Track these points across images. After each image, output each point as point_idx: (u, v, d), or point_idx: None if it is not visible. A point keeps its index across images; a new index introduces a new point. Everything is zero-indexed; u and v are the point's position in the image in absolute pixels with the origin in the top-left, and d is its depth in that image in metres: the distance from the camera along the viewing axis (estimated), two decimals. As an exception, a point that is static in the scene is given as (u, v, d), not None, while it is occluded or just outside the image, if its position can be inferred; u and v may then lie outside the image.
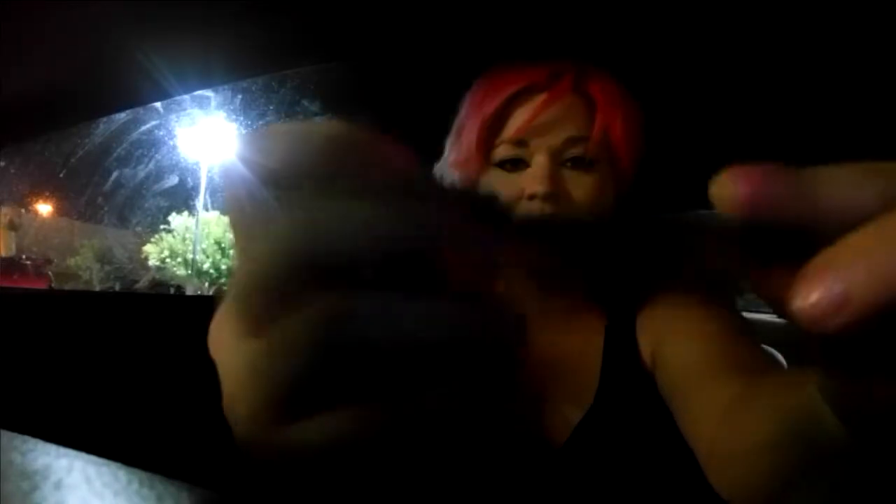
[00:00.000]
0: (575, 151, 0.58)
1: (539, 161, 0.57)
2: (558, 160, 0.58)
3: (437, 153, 0.67)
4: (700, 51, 0.87)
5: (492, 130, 0.59)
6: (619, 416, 0.59)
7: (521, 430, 0.61)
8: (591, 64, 0.61)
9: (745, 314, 2.16)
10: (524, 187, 0.57)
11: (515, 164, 0.59)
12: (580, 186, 0.58)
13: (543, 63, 0.60)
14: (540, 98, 0.58)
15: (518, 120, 0.58)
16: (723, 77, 0.96)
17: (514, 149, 0.59)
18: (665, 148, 1.16)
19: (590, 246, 0.62)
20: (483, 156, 0.60)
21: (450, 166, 0.65)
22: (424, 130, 0.66)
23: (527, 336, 0.19)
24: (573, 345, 0.64)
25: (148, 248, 10.52)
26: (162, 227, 10.56)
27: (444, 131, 0.67)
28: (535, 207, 0.56)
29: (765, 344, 1.09)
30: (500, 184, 0.59)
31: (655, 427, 0.59)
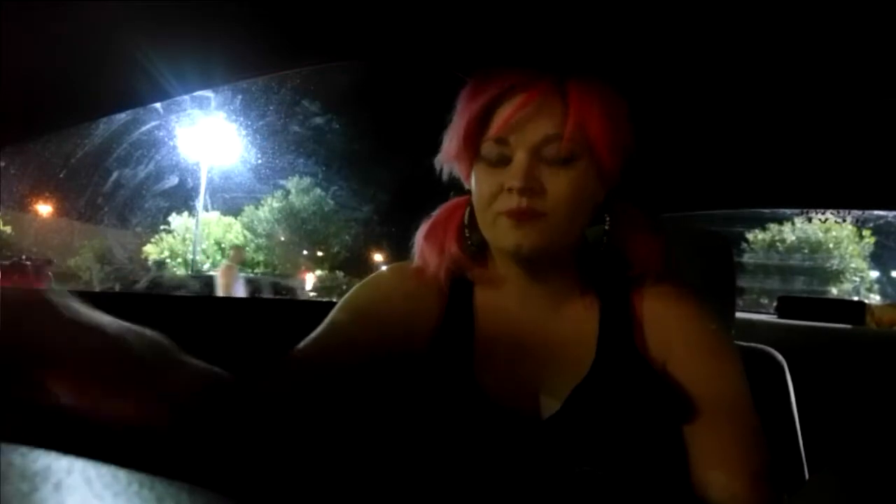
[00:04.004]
0: (552, 148, 0.62)
1: (518, 158, 0.62)
2: (537, 156, 0.62)
3: (434, 145, 0.70)
4: (694, 52, 0.87)
5: (478, 128, 0.64)
6: (611, 387, 0.64)
7: (510, 403, 0.64)
8: (581, 67, 0.64)
9: (745, 315, 2.13)
10: (504, 181, 0.62)
11: (500, 160, 0.64)
12: (557, 181, 0.62)
13: (531, 67, 0.64)
14: (519, 98, 0.62)
15: (500, 119, 0.63)
16: (718, 78, 0.96)
17: (497, 146, 0.63)
18: (659, 147, 1.16)
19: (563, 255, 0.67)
20: (471, 151, 0.66)
21: (444, 159, 0.70)
22: (424, 126, 0.66)
23: None
24: (569, 324, 0.69)
25: (148, 248, 10.53)
26: (162, 227, 10.58)
27: (441, 125, 0.69)
28: (514, 201, 0.61)
29: (764, 344, 1.09)
30: (484, 176, 0.65)
31: (644, 398, 0.64)
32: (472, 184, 0.67)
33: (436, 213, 0.74)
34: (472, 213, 0.69)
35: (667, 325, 0.68)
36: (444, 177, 0.71)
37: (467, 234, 0.70)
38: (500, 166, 0.63)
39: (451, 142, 0.67)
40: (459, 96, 0.67)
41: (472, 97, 0.65)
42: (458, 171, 0.70)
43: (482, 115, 0.63)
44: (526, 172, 0.60)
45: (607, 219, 0.68)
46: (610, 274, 0.70)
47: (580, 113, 0.62)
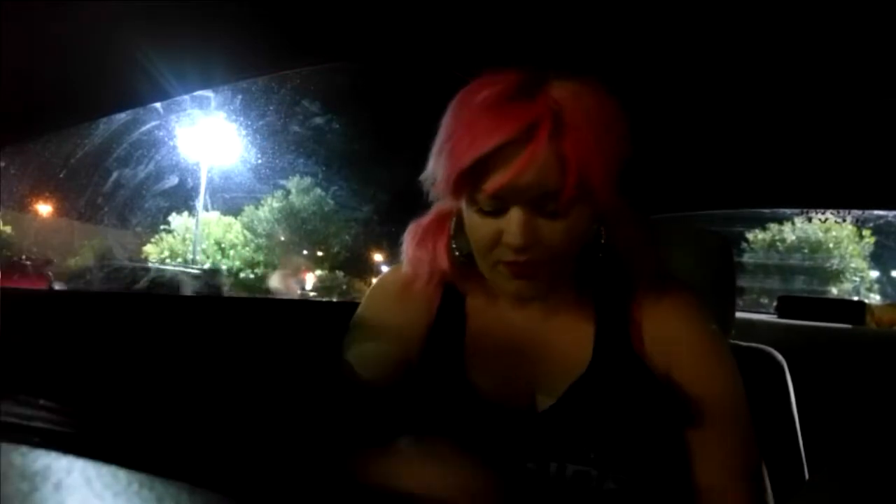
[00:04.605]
0: (550, 204, 0.60)
1: (515, 213, 0.60)
2: (534, 210, 0.60)
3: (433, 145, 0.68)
4: (697, 56, 0.87)
5: (468, 179, 0.61)
6: (608, 385, 0.65)
7: (504, 401, 0.65)
8: (580, 66, 0.62)
9: (745, 315, 2.14)
10: (501, 231, 0.61)
11: (494, 210, 0.61)
12: (554, 231, 0.61)
13: (521, 101, 0.59)
14: (517, 157, 0.58)
15: (494, 178, 0.59)
16: (718, 78, 0.96)
17: (492, 201, 0.61)
18: (659, 147, 1.16)
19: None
20: (461, 196, 0.63)
21: (434, 189, 0.67)
22: (420, 129, 0.66)
23: None
24: (565, 326, 0.70)
25: (148, 248, 10.51)
26: (162, 227, 10.56)
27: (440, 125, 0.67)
28: (512, 255, 0.61)
29: (764, 344, 1.09)
30: (479, 223, 0.63)
31: (641, 398, 0.65)
32: (465, 217, 0.65)
33: (424, 220, 0.72)
34: (458, 225, 0.68)
35: (664, 326, 0.68)
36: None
37: (455, 247, 0.69)
38: (495, 216, 0.61)
39: (438, 173, 0.64)
40: (445, 118, 0.63)
41: (459, 140, 0.60)
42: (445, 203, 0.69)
43: (473, 168, 0.59)
44: (524, 230, 0.59)
45: (603, 231, 0.67)
46: (606, 276, 0.70)
47: (581, 167, 0.58)
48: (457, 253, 0.69)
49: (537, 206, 0.60)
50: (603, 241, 0.67)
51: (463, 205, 0.65)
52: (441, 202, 0.71)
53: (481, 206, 0.62)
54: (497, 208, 0.61)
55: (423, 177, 0.68)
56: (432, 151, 0.65)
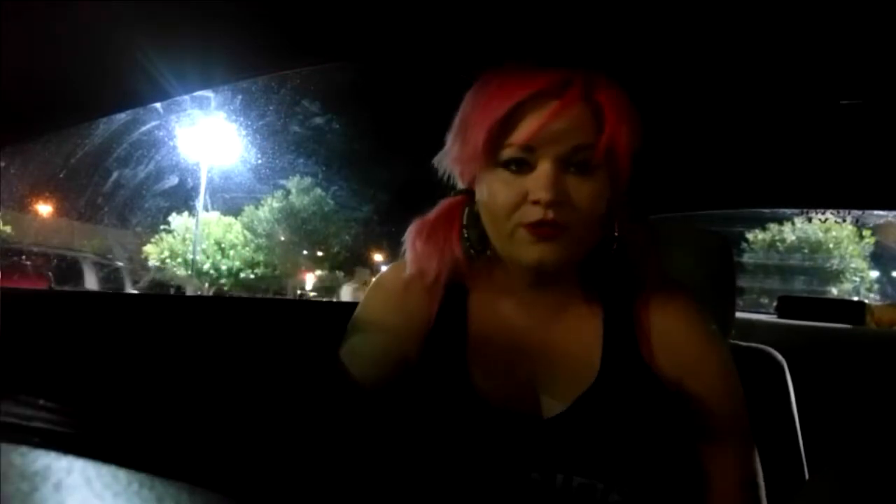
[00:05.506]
0: (580, 157, 0.60)
1: (544, 167, 0.59)
2: (562, 166, 0.60)
3: (434, 145, 0.68)
4: (697, 55, 0.87)
5: (499, 132, 0.60)
6: (618, 395, 0.64)
7: (510, 405, 0.64)
8: (592, 69, 0.62)
9: (745, 315, 2.13)
10: (528, 190, 0.59)
11: (520, 166, 0.61)
12: (581, 191, 0.60)
13: (550, 67, 0.61)
14: (551, 106, 0.59)
15: (527, 125, 0.59)
16: (719, 78, 0.96)
17: (521, 152, 0.60)
18: (661, 150, 1.16)
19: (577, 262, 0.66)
20: (488, 155, 0.62)
21: (452, 161, 0.67)
22: (421, 129, 0.66)
23: None
24: (571, 329, 0.69)
25: (148, 248, 10.52)
26: (162, 227, 10.57)
27: (441, 125, 0.67)
28: (538, 213, 0.59)
29: (764, 344, 1.09)
30: (503, 184, 0.61)
31: (651, 409, 0.64)
32: (483, 190, 0.64)
33: (431, 215, 0.71)
34: (470, 215, 0.68)
35: (671, 334, 0.67)
36: (445, 176, 0.70)
37: (466, 236, 0.68)
38: (520, 174, 0.60)
39: (461, 143, 0.64)
40: (469, 95, 0.65)
41: (492, 99, 0.61)
42: (459, 173, 0.68)
43: (506, 120, 0.59)
44: (554, 183, 0.58)
45: (616, 225, 0.66)
46: (613, 279, 0.69)
47: (615, 124, 0.59)
48: (468, 244, 0.68)
49: (566, 164, 0.60)
50: (616, 233, 0.66)
51: (480, 179, 0.64)
52: (446, 198, 0.71)
53: (508, 162, 0.61)
54: (525, 163, 0.60)
55: (437, 158, 0.68)
56: (450, 132, 0.66)
